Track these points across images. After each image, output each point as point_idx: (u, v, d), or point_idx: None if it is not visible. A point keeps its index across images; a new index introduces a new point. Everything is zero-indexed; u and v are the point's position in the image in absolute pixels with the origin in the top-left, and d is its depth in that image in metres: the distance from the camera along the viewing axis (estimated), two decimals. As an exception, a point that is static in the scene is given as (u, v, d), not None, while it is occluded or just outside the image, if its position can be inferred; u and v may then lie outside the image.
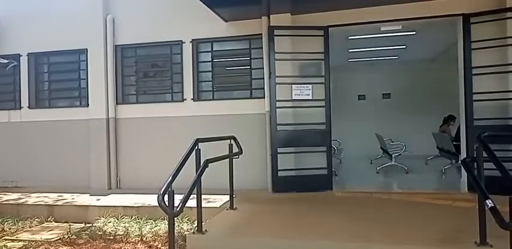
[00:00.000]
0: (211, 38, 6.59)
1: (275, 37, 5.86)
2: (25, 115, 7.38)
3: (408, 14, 5.74)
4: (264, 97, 6.10)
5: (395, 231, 3.61)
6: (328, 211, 4.60)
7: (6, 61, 7.36)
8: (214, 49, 6.67)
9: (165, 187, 3.02)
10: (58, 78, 7.48)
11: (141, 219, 5.10)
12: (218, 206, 5.00)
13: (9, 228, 5.13)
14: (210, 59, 6.68)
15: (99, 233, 4.70)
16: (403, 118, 10.34)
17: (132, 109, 6.86)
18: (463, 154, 5.62)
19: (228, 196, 4.99)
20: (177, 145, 6.47)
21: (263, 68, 6.13)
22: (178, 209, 2.99)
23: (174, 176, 3.21)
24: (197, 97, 6.64)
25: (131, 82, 7.00)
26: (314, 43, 5.91)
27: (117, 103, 6.86)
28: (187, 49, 6.64)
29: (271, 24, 5.95)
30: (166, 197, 3.02)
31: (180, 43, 6.66)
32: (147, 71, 7.09)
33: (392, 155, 7.62)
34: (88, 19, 6.87)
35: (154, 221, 5.01)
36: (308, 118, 5.83)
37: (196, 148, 3.80)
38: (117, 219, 5.11)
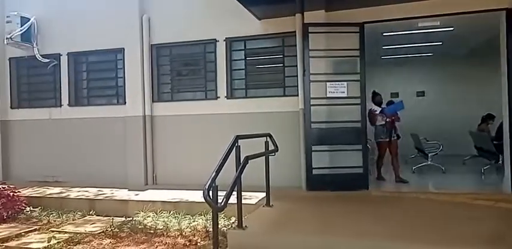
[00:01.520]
0: (245, 36, 6.63)
1: (309, 34, 5.84)
2: (65, 113, 7.69)
3: (447, 9, 5.58)
4: (297, 95, 6.10)
5: (437, 232, 3.55)
6: (366, 210, 4.56)
7: (47, 60, 7.67)
8: (247, 47, 6.72)
9: (209, 182, 3.09)
10: (96, 76, 7.75)
11: (179, 214, 5.22)
12: (254, 203, 5.05)
13: (54, 221, 5.38)
14: (243, 57, 6.73)
15: (140, 226, 4.85)
16: (438, 116, 10.06)
17: (167, 106, 7.01)
18: (507, 154, 5.42)
19: (262, 193, 5.05)
20: (211, 143, 6.65)
21: (296, 66, 6.13)
22: (222, 204, 3.05)
23: (218, 171, 3.27)
24: (230, 95, 6.71)
25: (166, 80, 7.15)
26: (349, 40, 5.84)
27: (153, 101, 7.03)
28: (221, 48, 6.72)
29: (305, 22, 5.93)
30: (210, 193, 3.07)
31: (214, 41, 6.74)
32: (181, 69, 7.24)
33: (429, 155, 7.43)
34: (125, 19, 7.06)
35: (192, 216, 5.12)
36: (343, 116, 5.78)
37: (236, 144, 3.85)
38: (156, 214, 5.26)
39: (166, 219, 5.08)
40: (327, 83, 5.80)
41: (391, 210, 4.57)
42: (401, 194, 5.45)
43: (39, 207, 5.92)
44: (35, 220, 5.43)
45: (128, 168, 6.94)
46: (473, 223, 3.81)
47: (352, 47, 5.81)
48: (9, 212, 5.35)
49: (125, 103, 7.11)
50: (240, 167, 3.62)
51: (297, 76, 6.12)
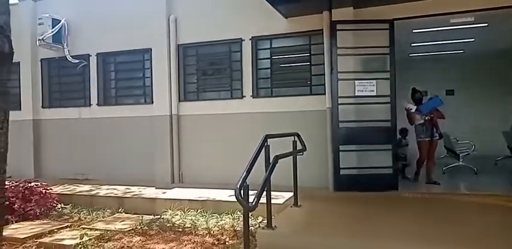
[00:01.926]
0: (271, 35, 6.59)
1: (337, 32, 5.74)
2: (94, 112, 7.86)
3: (482, 4, 5.37)
4: (324, 94, 6.02)
5: (474, 236, 3.41)
6: (397, 212, 4.44)
7: (77, 61, 7.86)
8: (273, 46, 6.68)
9: (241, 181, 3.06)
10: (124, 76, 7.90)
11: (206, 212, 5.24)
12: (281, 202, 5.01)
13: (85, 218, 5.50)
14: (269, 56, 6.69)
15: (168, 224, 4.90)
16: (468, 115, 9.73)
17: (194, 106, 7.06)
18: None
19: (288, 193, 5.02)
20: (237, 141, 6.67)
21: (324, 64, 6.04)
22: (254, 203, 3.02)
23: (249, 171, 3.25)
24: (256, 94, 6.69)
25: (192, 80, 7.20)
26: (378, 38, 5.72)
27: (179, 101, 7.09)
28: (247, 47, 6.71)
29: (333, 19, 5.84)
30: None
31: (240, 41, 6.74)
32: (207, 69, 7.27)
33: (460, 155, 7.19)
34: (152, 20, 7.14)
35: (219, 215, 5.12)
36: (372, 115, 5.67)
37: (266, 144, 3.82)
38: (184, 212, 5.29)
39: (193, 218, 5.10)
40: (356, 81, 5.69)
41: (423, 212, 4.45)
42: (433, 196, 5.29)
43: (70, 205, 6.07)
44: (66, 217, 5.57)
45: (155, 167, 7.03)
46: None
47: (381, 44, 5.68)
48: (42, 209, 5.50)
49: (152, 102, 7.20)
50: (270, 166, 3.59)
51: (324, 74, 6.04)
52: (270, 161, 3.77)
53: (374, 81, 5.69)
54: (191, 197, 5.63)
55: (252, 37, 6.66)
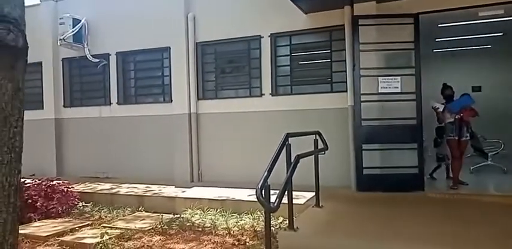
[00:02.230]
0: (290, 32, 6.47)
1: (359, 27, 5.57)
2: (114, 111, 7.91)
3: (514, -5, 5.10)
4: (346, 91, 5.85)
5: (506, 239, 3.21)
6: (422, 213, 4.27)
7: (97, 60, 7.92)
8: (293, 42, 6.55)
9: (262, 181, 2.97)
10: (143, 75, 7.92)
11: (226, 212, 5.17)
12: (302, 202, 4.90)
13: (106, 216, 5.52)
14: (289, 53, 6.57)
15: (188, 224, 4.85)
16: (496, 113, 9.33)
17: (212, 104, 7.01)
18: None
19: (308, 193, 4.91)
20: (256, 140, 6.58)
21: (345, 60, 5.88)
22: (276, 204, 2.92)
23: (270, 171, 3.15)
24: (275, 92, 6.58)
25: (211, 78, 7.15)
26: (402, 32, 5.52)
27: (198, 99, 7.05)
28: (266, 44, 6.60)
29: (355, 14, 5.67)
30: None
31: (259, 38, 6.63)
32: (225, 67, 7.20)
33: (489, 154, 6.90)
34: (170, 18, 7.12)
35: (239, 214, 5.05)
36: (396, 113, 5.47)
37: (286, 143, 3.71)
38: (203, 212, 5.24)
39: (213, 217, 5.05)
40: (379, 78, 5.51)
41: (451, 213, 4.25)
42: (460, 196, 5.06)
43: (91, 203, 6.11)
44: (87, 215, 5.61)
45: (175, 165, 7.01)
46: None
47: (406, 39, 5.48)
48: (64, 207, 5.55)
49: (171, 101, 7.18)
50: (292, 166, 3.48)
51: (345, 71, 5.88)
52: (291, 160, 3.67)
53: (398, 78, 5.50)
54: (211, 196, 5.57)
55: (271, 34, 6.54)
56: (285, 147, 3.69)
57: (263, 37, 6.60)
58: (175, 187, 6.45)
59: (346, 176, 5.73)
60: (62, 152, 8.38)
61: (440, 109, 5.75)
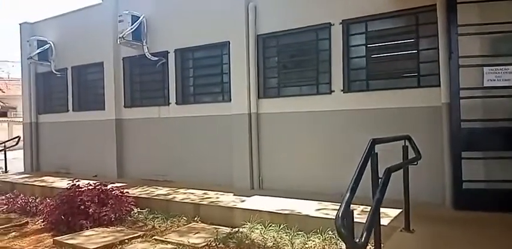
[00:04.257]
0: (366, 17, 5.51)
1: (457, 5, 4.48)
2: (173, 111, 7.53)
3: None
4: (439, 85, 4.78)
5: None
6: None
7: (156, 58, 7.61)
8: (369, 30, 5.59)
9: (343, 207, 2.16)
10: (202, 73, 7.44)
11: (290, 229, 4.41)
12: (386, 224, 3.95)
13: (159, 226, 5.06)
14: (364, 42, 5.62)
15: (247, 241, 4.18)
16: None
17: (274, 103, 6.29)
18: None
19: (392, 209, 4.08)
20: (324, 144, 5.72)
21: (437, 48, 4.80)
22: (363, 240, 2.10)
23: (353, 191, 2.33)
24: (348, 88, 5.67)
25: (273, 74, 6.44)
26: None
27: (258, 97, 6.37)
28: (336, 33, 5.72)
29: (451, -10, 4.58)
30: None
31: (328, 26, 5.77)
32: (289, 61, 6.44)
33: None
34: (230, 10, 6.53)
35: (306, 233, 4.26)
36: (507, 112, 4.31)
37: (372, 152, 2.84)
38: (264, 227, 4.53)
39: (276, 235, 4.31)
40: (484, 68, 4.38)
41: None
42: None
43: (146, 209, 5.71)
44: (140, 224, 5.19)
45: (234, 170, 6.42)
46: None
47: (521, 18, 4.28)
48: (117, 214, 5.19)
49: (230, 100, 6.59)
50: (382, 182, 2.62)
51: (437, 61, 4.80)
52: (378, 173, 2.82)
53: (511, 67, 4.32)
54: (272, 208, 4.84)
55: (343, 20, 5.65)
56: (370, 157, 2.82)
57: (333, 24, 5.73)
58: (234, 194, 5.83)
59: (439, 190, 4.67)
60: (123, 154, 8.22)
61: None
